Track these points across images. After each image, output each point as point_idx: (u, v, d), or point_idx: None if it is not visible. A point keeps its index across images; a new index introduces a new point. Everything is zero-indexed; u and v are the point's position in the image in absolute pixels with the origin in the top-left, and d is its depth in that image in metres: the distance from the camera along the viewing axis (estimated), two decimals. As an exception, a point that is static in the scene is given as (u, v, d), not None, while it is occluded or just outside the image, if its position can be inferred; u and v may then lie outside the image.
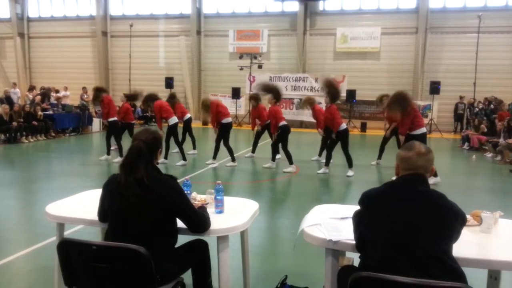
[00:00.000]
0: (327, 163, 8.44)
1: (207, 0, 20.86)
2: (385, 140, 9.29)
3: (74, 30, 22.10)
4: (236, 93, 18.43)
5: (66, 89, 18.41)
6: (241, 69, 18.52)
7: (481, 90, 16.77)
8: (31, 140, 12.60)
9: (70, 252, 2.18)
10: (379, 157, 9.40)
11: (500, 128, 11.25)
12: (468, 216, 2.41)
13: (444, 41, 18.25)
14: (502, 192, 7.70)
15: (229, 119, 8.98)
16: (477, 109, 15.54)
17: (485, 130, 12.50)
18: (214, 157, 8.95)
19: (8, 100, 14.22)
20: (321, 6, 19.63)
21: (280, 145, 8.71)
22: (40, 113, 13.33)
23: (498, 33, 17.44)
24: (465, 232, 2.13)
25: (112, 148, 9.84)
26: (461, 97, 16.99)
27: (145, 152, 2.37)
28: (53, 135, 13.65)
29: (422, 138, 6.98)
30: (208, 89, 20.79)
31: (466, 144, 12.84)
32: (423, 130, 7.26)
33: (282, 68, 19.66)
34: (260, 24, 20.04)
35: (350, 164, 8.25)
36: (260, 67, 18.57)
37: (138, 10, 21.64)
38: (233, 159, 8.91)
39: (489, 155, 11.19)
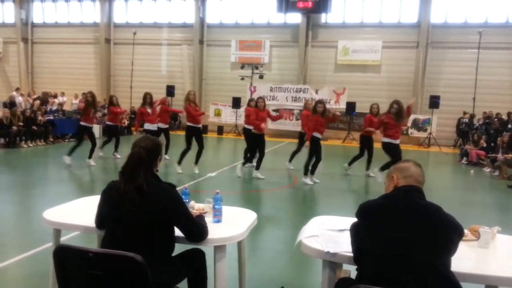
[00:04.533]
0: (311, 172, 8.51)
1: (211, 10, 21.02)
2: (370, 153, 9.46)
3: (78, 36, 22.22)
4: (236, 103, 18.48)
5: (63, 94, 18.39)
6: (242, 79, 18.58)
7: (480, 105, 16.82)
8: (30, 145, 12.59)
9: (66, 259, 2.16)
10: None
11: (499, 144, 11.27)
12: (466, 231, 2.41)
13: (445, 56, 18.36)
14: (500, 207, 7.70)
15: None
16: (477, 124, 15.56)
17: (485, 145, 12.52)
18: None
19: (12, 105, 14.28)
20: (323, 18, 19.78)
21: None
22: (40, 118, 13.34)
23: (498, 49, 17.55)
24: (462, 247, 2.13)
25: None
26: (464, 113, 17.00)
27: (145, 159, 2.37)
28: (52, 140, 13.64)
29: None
30: (209, 98, 20.84)
31: (465, 158, 12.85)
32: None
33: (283, 79, 19.74)
34: (262, 35, 20.17)
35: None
36: (261, 77, 18.64)
37: (141, 18, 21.78)
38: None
39: (487, 170, 11.19)
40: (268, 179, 8.66)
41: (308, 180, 8.27)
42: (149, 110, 9.57)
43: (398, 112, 7.96)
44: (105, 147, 11.00)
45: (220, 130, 19.07)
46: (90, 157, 9.55)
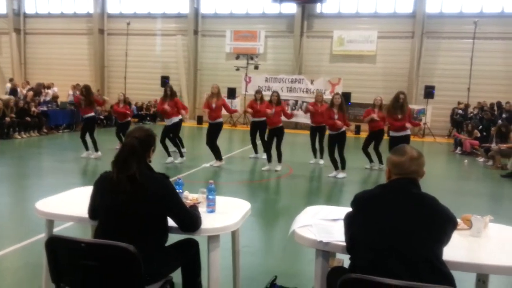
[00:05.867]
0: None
1: (205, 0, 20.85)
2: (366, 144, 9.24)
3: (71, 27, 22.01)
4: (232, 93, 18.43)
5: (52, 85, 18.13)
6: (237, 69, 18.52)
7: (475, 95, 16.88)
8: (24, 136, 12.51)
9: (58, 249, 2.16)
10: (370, 160, 9.34)
11: (493, 134, 11.33)
12: (458, 220, 2.42)
13: (440, 46, 18.35)
14: (492, 196, 7.77)
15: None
16: (471, 114, 15.57)
17: (478, 135, 12.59)
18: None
19: (12, 93, 14.31)
20: (318, 8, 19.69)
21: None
22: (34, 109, 13.24)
23: (493, 39, 17.57)
24: (455, 236, 2.14)
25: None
26: (459, 103, 17.06)
27: (138, 149, 2.36)
28: (46, 131, 13.56)
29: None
30: (203, 89, 20.76)
31: (459, 148, 12.92)
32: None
33: (278, 69, 19.68)
34: (257, 25, 20.06)
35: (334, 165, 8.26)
36: (256, 68, 18.58)
37: (135, 8, 21.59)
38: (218, 158, 8.85)
39: (481, 159, 11.26)
40: (263, 169, 8.67)
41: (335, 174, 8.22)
42: (165, 105, 8.90)
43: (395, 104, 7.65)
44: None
45: (215, 120, 19.00)
46: (87, 148, 9.46)
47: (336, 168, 8.24)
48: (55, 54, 22.15)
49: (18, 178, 7.45)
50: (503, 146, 10.27)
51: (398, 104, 7.57)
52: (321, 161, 9.52)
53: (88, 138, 9.37)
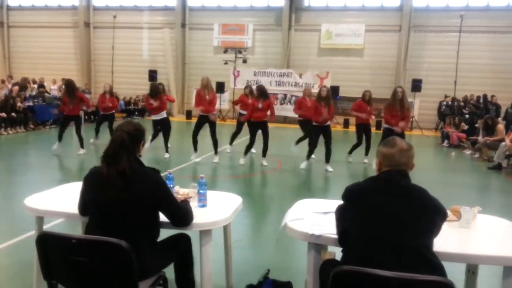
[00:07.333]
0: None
1: (192, -8, 20.70)
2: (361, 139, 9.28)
3: (56, 20, 21.65)
4: (220, 88, 18.31)
5: (43, 79, 17.87)
6: (226, 63, 18.44)
7: (461, 88, 17.06)
8: (10, 132, 12.32)
9: (49, 246, 2.14)
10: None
11: (479, 127, 11.48)
12: (447, 211, 2.45)
13: (427, 39, 18.49)
14: (480, 188, 7.89)
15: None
16: (467, 110, 15.53)
17: (465, 128, 12.75)
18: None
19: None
20: (306, 2, 19.68)
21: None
22: (19, 104, 13.03)
23: (479, 32, 17.76)
24: (444, 227, 2.16)
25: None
26: (445, 96, 17.24)
27: (127, 143, 2.33)
28: (32, 127, 13.37)
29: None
30: (192, 83, 20.64)
31: (446, 141, 13.07)
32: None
33: (266, 63, 19.65)
34: (245, 18, 19.97)
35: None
36: (244, 61, 18.52)
37: (121, 1, 21.31)
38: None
39: (468, 152, 11.41)
40: (253, 164, 8.67)
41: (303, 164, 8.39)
42: (151, 101, 8.89)
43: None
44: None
45: (204, 115, 18.92)
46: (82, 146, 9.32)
47: (307, 158, 8.41)
48: (40, 48, 21.78)
49: (5, 174, 7.33)
50: (490, 139, 10.41)
51: (397, 99, 7.58)
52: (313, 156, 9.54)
53: (73, 132, 9.22)
